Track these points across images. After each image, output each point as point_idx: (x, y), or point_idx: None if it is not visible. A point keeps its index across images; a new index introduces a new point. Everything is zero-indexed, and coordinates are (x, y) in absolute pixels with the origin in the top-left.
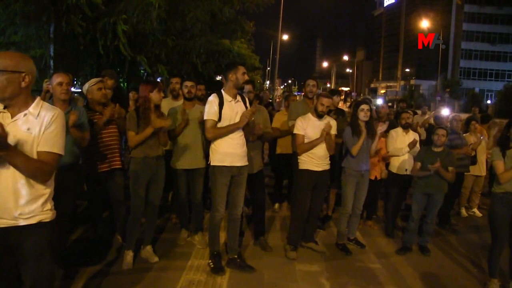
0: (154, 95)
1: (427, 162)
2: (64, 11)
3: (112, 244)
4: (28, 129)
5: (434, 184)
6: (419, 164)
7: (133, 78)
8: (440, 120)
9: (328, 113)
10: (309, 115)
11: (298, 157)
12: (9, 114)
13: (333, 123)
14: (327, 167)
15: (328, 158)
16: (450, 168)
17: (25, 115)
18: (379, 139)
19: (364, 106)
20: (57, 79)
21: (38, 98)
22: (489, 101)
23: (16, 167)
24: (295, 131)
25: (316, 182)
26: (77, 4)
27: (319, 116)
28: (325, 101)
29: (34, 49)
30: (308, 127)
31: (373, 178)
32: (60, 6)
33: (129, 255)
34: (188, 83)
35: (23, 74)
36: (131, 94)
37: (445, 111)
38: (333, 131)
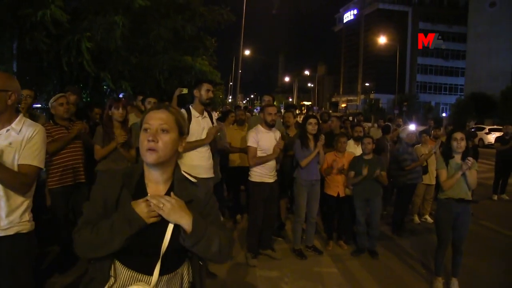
0: (115, 112)
1: (359, 170)
2: (28, 28)
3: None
4: (10, 143)
5: (369, 189)
6: (353, 173)
7: (96, 94)
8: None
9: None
10: (260, 127)
11: (252, 169)
12: None
13: (278, 134)
14: (276, 177)
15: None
16: (383, 173)
17: (7, 130)
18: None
19: (312, 120)
20: None
21: (20, 115)
22: (444, 114)
23: None
24: (249, 144)
25: (269, 193)
26: (41, 21)
27: (270, 126)
28: (271, 109)
29: None
30: (261, 139)
31: (335, 194)
32: (24, 24)
33: None
34: (151, 100)
35: (9, 93)
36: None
37: (411, 127)
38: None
